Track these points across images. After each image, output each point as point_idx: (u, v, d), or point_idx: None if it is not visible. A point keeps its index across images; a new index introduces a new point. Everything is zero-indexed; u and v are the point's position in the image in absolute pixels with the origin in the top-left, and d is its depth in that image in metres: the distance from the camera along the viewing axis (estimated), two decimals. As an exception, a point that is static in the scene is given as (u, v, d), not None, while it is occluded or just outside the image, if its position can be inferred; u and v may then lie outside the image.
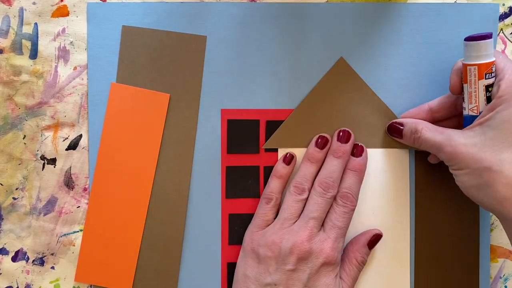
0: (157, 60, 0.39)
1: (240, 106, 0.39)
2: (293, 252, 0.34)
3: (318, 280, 0.35)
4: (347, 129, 0.39)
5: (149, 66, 0.39)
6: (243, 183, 0.40)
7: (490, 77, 0.34)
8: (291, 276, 0.35)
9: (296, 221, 0.36)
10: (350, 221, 0.37)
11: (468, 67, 0.34)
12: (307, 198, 0.37)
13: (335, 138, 0.38)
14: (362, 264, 0.38)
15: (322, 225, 0.37)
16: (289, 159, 0.39)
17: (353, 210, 0.37)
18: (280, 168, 0.39)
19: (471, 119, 0.35)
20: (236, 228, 0.40)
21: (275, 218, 0.38)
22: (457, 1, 0.40)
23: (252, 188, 0.40)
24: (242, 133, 0.40)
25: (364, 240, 0.38)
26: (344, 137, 0.38)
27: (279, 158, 0.39)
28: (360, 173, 0.38)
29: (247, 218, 0.40)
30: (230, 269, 0.39)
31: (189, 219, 0.39)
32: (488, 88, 0.34)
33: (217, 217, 0.40)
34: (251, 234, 0.38)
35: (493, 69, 0.34)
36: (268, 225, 0.37)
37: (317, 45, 0.39)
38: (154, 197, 0.39)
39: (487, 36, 0.33)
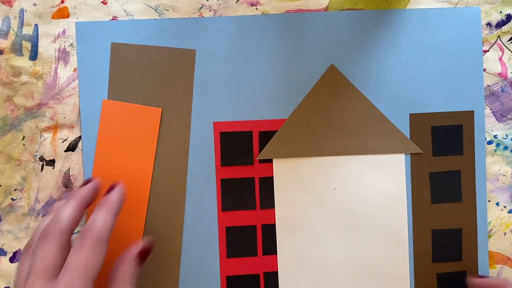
0: (147, 75, 0.39)
1: (232, 118, 0.39)
2: None
3: None
4: None
5: (140, 81, 0.39)
6: (239, 195, 0.39)
7: None
8: None
9: None
10: None
11: None
12: None
13: None
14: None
15: None
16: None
17: None
18: None
19: None
20: (234, 241, 0.39)
21: None
22: (453, 6, 0.40)
23: (248, 200, 0.39)
24: (236, 145, 0.39)
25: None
26: None
27: (274, 168, 0.39)
28: None
29: (244, 231, 0.39)
30: (229, 282, 0.39)
31: (186, 234, 0.39)
32: None
33: (215, 230, 0.39)
34: None
35: None
36: None
37: (307, 54, 0.39)
38: (150, 212, 0.39)
39: None
